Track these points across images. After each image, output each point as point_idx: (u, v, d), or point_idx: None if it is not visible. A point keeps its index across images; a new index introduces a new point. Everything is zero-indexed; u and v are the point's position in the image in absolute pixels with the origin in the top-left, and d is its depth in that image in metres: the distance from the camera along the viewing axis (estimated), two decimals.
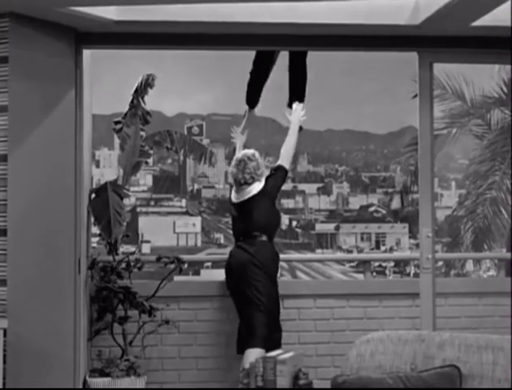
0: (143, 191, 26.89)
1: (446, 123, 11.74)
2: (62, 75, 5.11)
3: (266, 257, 5.38)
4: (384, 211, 27.90)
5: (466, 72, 11.46)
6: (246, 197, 5.48)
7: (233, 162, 5.57)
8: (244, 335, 5.29)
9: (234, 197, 5.57)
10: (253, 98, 5.99)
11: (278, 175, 5.53)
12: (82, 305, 5.31)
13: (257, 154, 5.54)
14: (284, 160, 5.56)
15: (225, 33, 5.26)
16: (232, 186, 5.66)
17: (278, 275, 5.58)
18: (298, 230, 27.43)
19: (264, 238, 5.41)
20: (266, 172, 5.55)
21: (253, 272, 5.30)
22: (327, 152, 29.10)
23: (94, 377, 5.28)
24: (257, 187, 5.46)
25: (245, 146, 5.95)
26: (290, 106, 5.77)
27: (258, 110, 6.00)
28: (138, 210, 26.20)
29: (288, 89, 5.92)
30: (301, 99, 5.80)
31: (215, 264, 12.23)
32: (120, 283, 5.51)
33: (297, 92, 5.83)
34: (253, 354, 4.90)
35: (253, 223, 5.41)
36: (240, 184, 5.49)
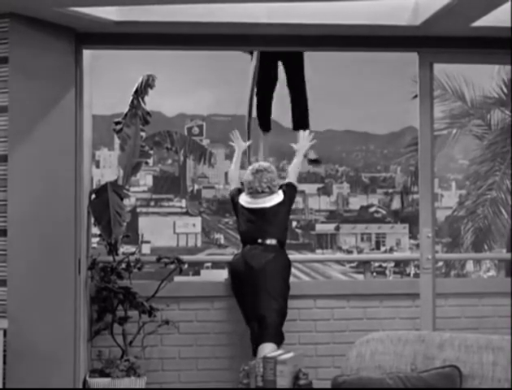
0: (143, 191, 26.87)
1: (446, 123, 11.74)
2: (63, 76, 5.11)
3: (283, 263, 5.50)
4: (384, 212, 27.88)
5: (466, 73, 11.45)
6: (267, 204, 5.58)
7: (249, 171, 5.67)
8: (257, 333, 5.33)
9: (246, 202, 5.63)
10: (265, 120, 6.10)
11: (290, 190, 5.69)
12: (82, 306, 5.31)
13: (273, 167, 5.72)
14: (292, 178, 5.75)
15: (225, 34, 5.25)
16: (239, 191, 5.71)
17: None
18: (298, 230, 27.39)
19: (279, 245, 5.53)
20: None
21: (273, 276, 5.39)
22: (327, 152, 29.06)
23: (94, 377, 5.28)
24: (276, 198, 5.61)
25: (249, 149, 6.04)
26: (295, 129, 5.98)
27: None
28: (138, 210, 26.19)
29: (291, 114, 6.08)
30: (305, 126, 5.98)
31: (215, 264, 12.24)
32: (120, 283, 5.51)
33: (299, 119, 6.02)
34: (267, 349, 5.05)
35: (272, 230, 5.53)
36: (257, 191, 5.59)
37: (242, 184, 5.74)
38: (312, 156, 6.06)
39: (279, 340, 5.26)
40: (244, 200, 5.66)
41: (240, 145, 5.97)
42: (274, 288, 5.36)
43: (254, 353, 5.25)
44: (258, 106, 6.05)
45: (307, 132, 5.90)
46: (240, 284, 5.52)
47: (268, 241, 5.49)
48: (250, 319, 5.42)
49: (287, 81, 5.99)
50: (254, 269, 5.39)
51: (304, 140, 5.86)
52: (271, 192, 5.61)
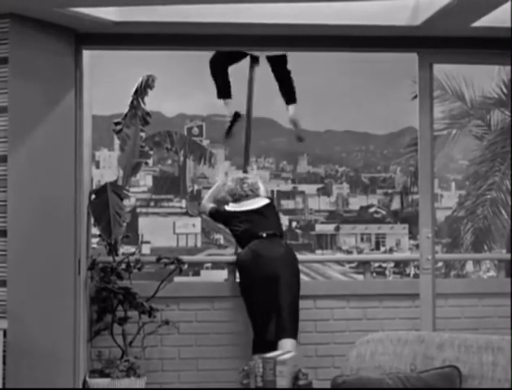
0: (143, 192, 26.89)
1: (446, 123, 11.74)
2: (62, 76, 5.11)
3: (293, 256, 5.57)
4: (383, 212, 27.91)
5: (465, 73, 11.46)
6: (258, 205, 5.69)
7: (230, 180, 5.81)
8: (275, 327, 5.31)
9: (235, 207, 5.72)
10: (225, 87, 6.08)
11: (271, 199, 5.92)
12: (82, 306, 5.31)
13: (250, 176, 5.88)
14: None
15: (225, 34, 5.26)
16: (219, 206, 5.79)
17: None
18: (298, 231, 27.41)
19: (280, 236, 5.61)
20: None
21: (290, 267, 5.47)
22: (327, 153, 29.06)
23: (94, 377, 5.28)
24: (262, 201, 5.74)
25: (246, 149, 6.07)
26: (288, 103, 6.02)
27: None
28: (138, 210, 26.19)
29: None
30: (293, 100, 6.03)
31: (215, 265, 12.24)
32: (120, 283, 5.51)
33: (287, 94, 6.05)
34: (289, 344, 5.12)
35: (269, 224, 5.61)
36: (241, 196, 5.70)
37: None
38: (297, 131, 6.06)
39: (296, 337, 5.30)
40: (232, 207, 5.75)
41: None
42: (293, 281, 5.43)
43: (255, 352, 5.23)
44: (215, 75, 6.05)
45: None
46: (250, 278, 5.47)
47: (271, 232, 5.55)
48: (265, 314, 5.38)
49: (274, 75, 6.03)
50: (268, 257, 5.42)
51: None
52: (256, 196, 5.73)
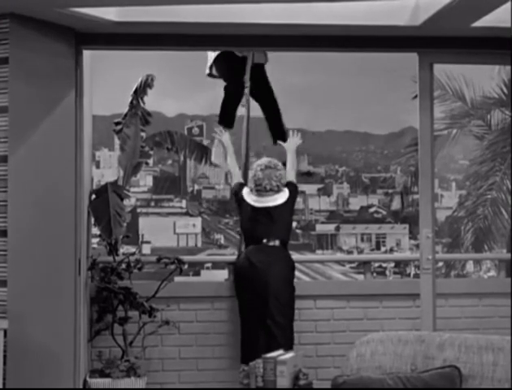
0: (143, 192, 26.85)
1: (446, 123, 11.74)
2: (63, 76, 5.11)
3: (288, 266, 5.50)
4: (384, 212, 27.86)
5: (466, 73, 11.45)
6: (273, 203, 5.55)
7: (258, 167, 5.61)
8: (266, 345, 5.23)
9: (253, 200, 5.59)
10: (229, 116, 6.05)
11: (294, 190, 5.66)
12: (82, 306, 5.31)
13: (280, 164, 5.67)
14: (292, 176, 5.72)
15: (225, 34, 5.26)
16: (242, 185, 5.67)
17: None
18: (298, 231, 27.37)
19: (282, 245, 5.52)
20: None
21: (286, 277, 5.44)
22: (327, 153, 29.03)
23: (94, 377, 5.28)
24: (283, 196, 5.57)
25: (247, 149, 6.03)
26: (275, 142, 5.97)
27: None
28: (138, 210, 26.15)
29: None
30: (282, 138, 5.94)
31: (216, 265, 12.23)
32: (120, 283, 5.51)
33: (276, 132, 6.00)
34: None
35: (276, 230, 5.51)
36: (266, 190, 5.55)
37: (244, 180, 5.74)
38: (304, 168, 6.07)
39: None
40: (250, 197, 5.61)
41: (225, 138, 5.94)
42: (281, 295, 5.36)
43: (243, 360, 5.14)
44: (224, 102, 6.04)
45: (295, 135, 5.89)
46: (244, 286, 5.47)
47: (271, 243, 5.46)
48: (254, 326, 5.38)
49: (255, 95, 6.01)
50: (260, 269, 5.36)
51: (293, 138, 5.85)
52: (278, 191, 5.56)
